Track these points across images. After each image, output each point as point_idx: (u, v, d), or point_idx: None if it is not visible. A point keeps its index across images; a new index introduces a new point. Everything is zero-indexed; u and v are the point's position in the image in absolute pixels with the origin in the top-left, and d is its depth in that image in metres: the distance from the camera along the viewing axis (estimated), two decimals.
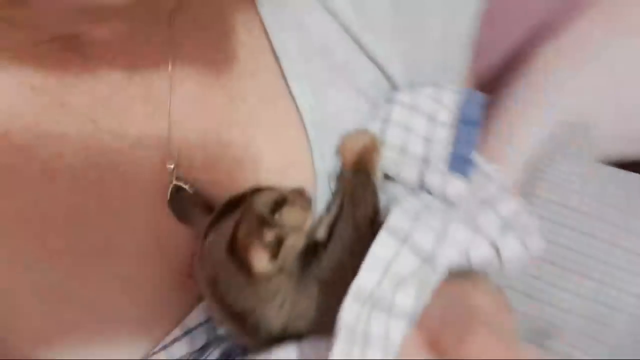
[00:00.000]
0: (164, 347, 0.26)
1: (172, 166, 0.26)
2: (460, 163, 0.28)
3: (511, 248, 0.32)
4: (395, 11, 0.29)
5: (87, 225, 0.25)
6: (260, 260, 0.23)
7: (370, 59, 0.29)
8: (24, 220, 0.23)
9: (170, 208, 0.27)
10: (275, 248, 0.24)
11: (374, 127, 0.29)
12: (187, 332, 0.27)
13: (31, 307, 0.24)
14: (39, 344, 0.24)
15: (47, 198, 0.24)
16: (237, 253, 0.24)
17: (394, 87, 0.30)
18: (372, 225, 0.25)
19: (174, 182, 0.26)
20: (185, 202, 0.27)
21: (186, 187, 0.26)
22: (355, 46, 0.28)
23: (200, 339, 0.26)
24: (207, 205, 0.27)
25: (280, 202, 0.26)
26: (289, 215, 0.26)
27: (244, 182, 0.27)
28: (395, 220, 0.22)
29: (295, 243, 0.25)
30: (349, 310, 0.20)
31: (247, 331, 0.24)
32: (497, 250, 0.26)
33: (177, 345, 0.26)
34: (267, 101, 0.27)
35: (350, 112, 0.29)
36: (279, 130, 0.28)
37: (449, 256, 0.22)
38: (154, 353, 0.26)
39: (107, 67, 0.24)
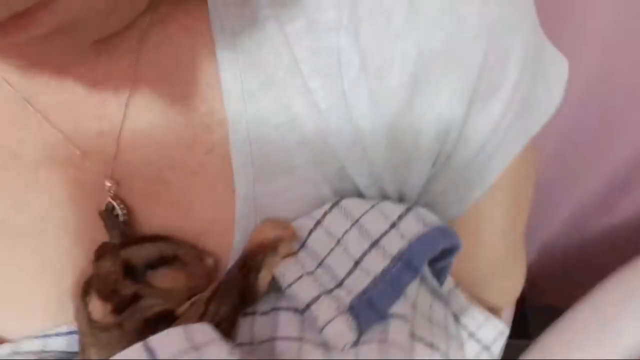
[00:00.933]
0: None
1: (109, 184, 0.27)
2: (364, 309, 0.23)
3: None
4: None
5: (23, 208, 0.27)
6: (96, 309, 0.23)
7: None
8: None
9: (103, 220, 0.28)
10: (126, 303, 0.24)
11: (302, 224, 0.26)
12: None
13: None
14: None
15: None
16: (86, 290, 0.24)
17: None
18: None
19: (110, 200, 0.27)
20: (114, 221, 0.28)
21: (118, 208, 0.27)
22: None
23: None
24: (127, 233, 0.27)
25: (165, 260, 0.25)
26: (163, 279, 0.25)
27: (169, 224, 0.27)
28: None
29: (152, 306, 0.24)
30: None
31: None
32: None
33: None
34: (210, 160, 0.26)
35: (301, 198, 0.26)
36: (213, 190, 0.26)
37: None
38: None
39: (72, 78, 0.26)
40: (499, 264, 0.33)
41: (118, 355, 0.19)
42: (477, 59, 0.24)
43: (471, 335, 0.31)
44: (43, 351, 0.27)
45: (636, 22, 0.70)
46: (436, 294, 0.27)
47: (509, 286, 0.35)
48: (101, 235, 0.27)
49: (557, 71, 0.27)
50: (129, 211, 0.27)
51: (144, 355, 0.19)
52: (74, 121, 0.26)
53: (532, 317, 1.11)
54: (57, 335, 0.27)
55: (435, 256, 0.25)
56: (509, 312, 0.38)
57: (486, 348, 0.31)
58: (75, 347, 0.27)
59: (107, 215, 0.27)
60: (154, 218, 0.27)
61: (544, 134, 0.27)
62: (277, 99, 0.24)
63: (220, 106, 0.25)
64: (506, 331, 0.32)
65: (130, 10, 0.24)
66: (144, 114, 0.26)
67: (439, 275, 0.28)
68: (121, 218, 0.27)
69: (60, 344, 0.27)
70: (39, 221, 0.27)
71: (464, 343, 0.30)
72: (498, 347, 0.31)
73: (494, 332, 0.31)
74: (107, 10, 0.21)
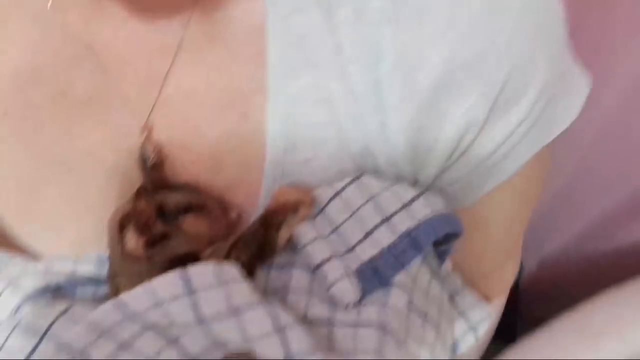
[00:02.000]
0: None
1: (146, 130, 0.29)
2: (370, 275, 0.26)
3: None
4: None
5: (68, 142, 0.30)
6: (130, 241, 0.26)
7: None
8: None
9: (138, 164, 0.30)
10: (157, 240, 0.26)
11: (323, 192, 0.28)
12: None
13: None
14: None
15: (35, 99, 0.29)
16: (123, 223, 0.27)
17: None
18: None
19: (144, 143, 0.29)
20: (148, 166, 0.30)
21: (151, 152, 0.29)
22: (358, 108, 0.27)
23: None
24: (158, 178, 0.30)
25: (193, 208, 0.28)
26: (191, 225, 0.27)
27: (199, 177, 0.29)
28: None
29: (179, 246, 0.26)
30: None
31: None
32: None
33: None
34: (245, 126, 0.28)
35: (325, 169, 0.29)
36: (244, 151, 0.29)
37: None
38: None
39: (131, 29, 0.28)
40: (499, 259, 0.35)
41: (156, 279, 0.21)
42: (502, 76, 0.26)
43: (461, 314, 0.33)
44: (73, 273, 0.29)
45: None
46: (435, 274, 0.29)
47: (504, 277, 0.38)
48: (135, 177, 0.30)
49: (578, 88, 0.29)
50: (162, 159, 0.30)
51: (180, 282, 0.21)
52: (123, 69, 0.29)
53: (520, 327, 1.13)
54: (86, 260, 0.30)
55: (438, 239, 0.28)
56: (499, 301, 0.40)
57: (473, 328, 0.33)
58: (103, 274, 0.30)
59: (143, 159, 0.29)
60: (185, 169, 0.30)
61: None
62: (317, 77, 0.27)
63: (262, 76, 0.27)
64: (493, 315, 0.34)
65: None
66: (188, 71, 0.28)
67: (440, 257, 0.31)
68: (151, 162, 0.29)
69: (89, 269, 0.29)
70: (81, 156, 0.30)
71: (454, 320, 0.33)
72: (483, 329, 0.34)
73: (482, 314, 0.34)
74: None
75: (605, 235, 1.02)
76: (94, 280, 0.30)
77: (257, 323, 0.21)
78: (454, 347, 0.34)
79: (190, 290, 0.21)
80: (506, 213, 0.32)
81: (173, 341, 0.22)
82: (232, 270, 0.22)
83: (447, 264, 0.33)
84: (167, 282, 0.21)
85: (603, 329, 0.63)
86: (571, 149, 0.94)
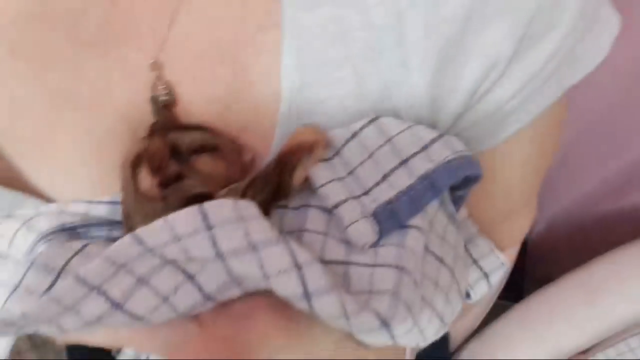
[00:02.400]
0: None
1: (158, 68, 0.28)
2: (387, 217, 0.25)
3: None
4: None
5: (80, 81, 0.29)
6: (144, 181, 0.25)
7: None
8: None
9: (152, 104, 0.29)
10: (171, 180, 0.26)
11: (340, 134, 0.28)
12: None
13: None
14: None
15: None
16: (136, 163, 0.26)
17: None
18: None
19: (156, 82, 0.29)
20: (161, 107, 0.29)
21: (163, 91, 0.29)
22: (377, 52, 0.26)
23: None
24: (171, 119, 0.29)
25: (206, 148, 0.27)
26: (205, 164, 0.27)
27: (213, 117, 0.29)
28: None
29: (193, 186, 0.26)
30: None
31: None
32: None
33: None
34: (259, 63, 0.28)
35: (341, 110, 0.28)
36: (258, 91, 0.28)
37: None
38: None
39: None
40: (514, 207, 0.35)
41: (173, 215, 0.21)
42: (532, 5, 0.24)
43: (474, 262, 0.33)
44: (86, 215, 0.29)
45: None
46: (451, 219, 0.29)
47: (518, 228, 0.37)
48: (146, 118, 0.29)
49: (607, 28, 0.27)
50: (173, 99, 0.29)
51: (198, 217, 0.20)
52: (134, 2, 0.28)
53: (527, 286, 1.14)
54: (100, 203, 0.29)
55: (457, 182, 0.27)
56: (513, 251, 0.41)
57: (486, 276, 0.33)
58: (116, 216, 0.30)
59: (154, 98, 0.29)
60: (199, 109, 0.29)
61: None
62: (334, 10, 0.26)
63: (278, 8, 0.26)
64: (506, 264, 0.34)
65: None
66: (201, 5, 0.27)
67: (456, 203, 0.30)
68: (163, 101, 0.29)
69: (102, 211, 0.29)
70: (92, 96, 0.29)
71: (468, 267, 0.33)
72: (496, 278, 0.34)
73: (495, 263, 0.33)
74: None
75: (612, 195, 1.02)
76: (107, 223, 0.30)
77: (275, 259, 0.21)
78: (467, 294, 0.34)
79: (208, 225, 0.20)
80: (523, 159, 0.31)
81: (190, 277, 0.22)
82: (250, 207, 0.22)
83: (463, 211, 0.33)
84: (185, 217, 0.20)
85: (603, 285, 0.64)
86: (576, 112, 0.93)
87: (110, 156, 0.30)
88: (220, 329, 0.21)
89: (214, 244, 0.20)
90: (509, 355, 0.67)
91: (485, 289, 0.34)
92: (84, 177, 0.30)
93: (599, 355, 0.62)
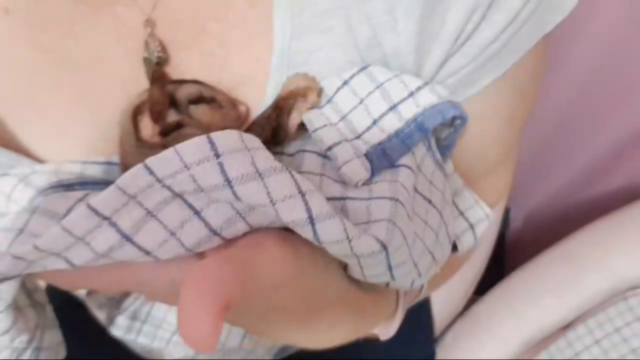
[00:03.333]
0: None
1: (150, 26, 0.29)
2: (378, 156, 0.27)
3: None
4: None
5: (71, 41, 0.30)
6: (146, 129, 0.26)
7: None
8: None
9: (145, 64, 0.30)
10: (171, 128, 0.27)
11: (331, 82, 0.29)
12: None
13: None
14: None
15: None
16: (136, 112, 0.27)
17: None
18: None
19: (147, 40, 0.29)
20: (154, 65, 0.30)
21: (154, 48, 0.29)
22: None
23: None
24: (165, 76, 0.30)
25: (205, 99, 0.28)
26: (203, 113, 0.28)
27: (206, 74, 0.29)
28: None
29: (192, 135, 0.27)
30: None
31: None
32: None
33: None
34: (252, 15, 0.29)
35: (331, 60, 0.29)
36: (250, 44, 0.29)
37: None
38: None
39: None
40: (494, 161, 0.36)
41: (181, 145, 0.21)
42: None
43: (461, 213, 0.34)
44: (82, 174, 0.30)
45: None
46: (438, 165, 0.31)
47: (500, 183, 0.39)
48: (141, 77, 0.30)
49: None
50: (168, 58, 0.30)
51: (207, 146, 0.21)
52: None
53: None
54: (94, 163, 0.30)
55: (444, 123, 0.28)
56: (497, 213, 0.42)
57: (472, 227, 0.35)
58: (110, 177, 0.30)
59: (149, 60, 0.30)
60: (192, 67, 0.30)
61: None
62: None
63: None
64: (491, 216, 0.35)
65: None
66: None
67: (442, 154, 0.32)
68: (157, 57, 0.29)
69: (97, 171, 0.30)
70: (86, 55, 0.30)
71: (455, 217, 0.34)
72: (482, 229, 0.35)
73: (480, 214, 0.35)
74: None
75: (586, 185, 1.05)
76: (103, 182, 0.30)
77: (280, 186, 0.21)
78: (454, 247, 0.35)
79: (216, 154, 0.21)
80: (505, 106, 0.33)
81: (196, 213, 0.22)
82: (254, 140, 0.22)
83: (449, 165, 0.34)
84: (194, 146, 0.21)
85: (585, 258, 0.66)
86: (552, 103, 0.96)
87: (103, 116, 0.30)
88: (232, 252, 0.21)
89: (223, 171, 0.21)
90: (493, 334, 0.69)
91: (471, 240, 0.35)
92: (78, 137, 0.31)
93: (580, 327, 0.64)
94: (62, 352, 0.31)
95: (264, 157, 0.22)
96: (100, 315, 0.47)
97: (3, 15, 0.29)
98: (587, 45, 0.83)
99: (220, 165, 0.21)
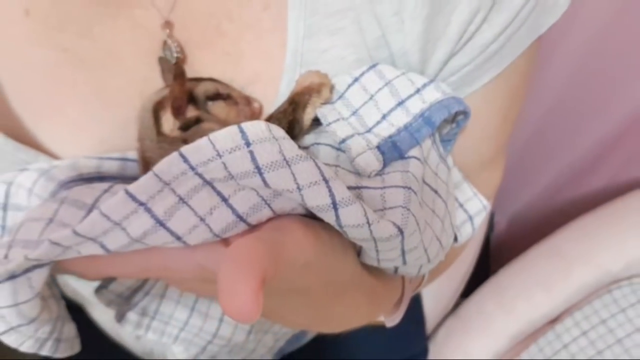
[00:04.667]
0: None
1: (168, 27, 0.30)
2: (389, 148, 0.28)
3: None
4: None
5: (88, 40, 0.31)
6: (167, 123, 0.27)
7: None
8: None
9: (160, 64, 0.31)
10: (191, 123, 0.28)
11: (342, 79, 0.30)
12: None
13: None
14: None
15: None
16: (157, 108, 0.28)
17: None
18: None
19: (166, 40, 0.31)
20: (170, 65, 0.31)
21: (173, 48, 0.30)
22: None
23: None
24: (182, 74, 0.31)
25: (221, 96, 0.29)
26: (220, 109, 0.29)
27: (221, 72, 0.31)
28: None
29: (211, 130, 0.28)
30: None
31: None
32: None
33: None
34: (266, 15, 0.30)
35: (341, 58, 0.30)
36: (264, 43, 0.30)
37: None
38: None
39: None
40: (489, 156, 0.38)
41: (214, 134, 0.22)
42: None
43: (460, 205, 0.36)
44: (99, 169, 0.30)
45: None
46: (442, 158, 0.32)
47: (492, 178, 0.41)
48: (155, 76, 0.31)
49: None
50: (185, 57, 0.31)
51: (238, 135, 0.22)
52: None
53: None
54: (109, 159, 0.31)
55: (448, 118, 0.30)
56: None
57: (470, 218, 0.37)
58: (125, 172, 0.31)
59: (164, 59, 0.31)
60: (207, 66, 0.31)
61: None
62: None
63: None
64: (488, 207, 0.37)
65: None
66: None
67: (444, 148, 0.34)
68: (175, 58, 0.30)
69: (113, 167, 0.31)
70: (103, 55, 0.31)
71: (456, 209, 0.36)
72: (479, 220, 0.37)
73: (478, 206, 0.37)
74: None
75: (570, 184, 1.08)
76: (120, 177, 0.31)
77: (306, 173, 0.22)
78: (454, 237, 0.37)
79: (247, 142, 0.22)
80: (500, 104, 0.35)
81: (224, 200, 0.23)
82: (279, 130, 0.23)
83: (449, 159, 0.36)
84: (226, 135, 0.22)
85: (574, 254, 0.69)
86: (533, 108, 1.00)
87: (119, 114, 0.31)
88: (261, 234, 0.22)
89: (253, 159, 0.22)
90: (484, 330, 0.71)
91: (469, 231, 0.37)
92: (93, 134, 0.32)
93: (568, 320, 0.67)
94: (77, 346, 0.31)
95: (289, 145, 0.23)
96: (105, 317, 0.48)
97: (23, 17, 0.30)
98: (566, 51, 0.87)
99: (251, 153, 0.22)
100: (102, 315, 0.54)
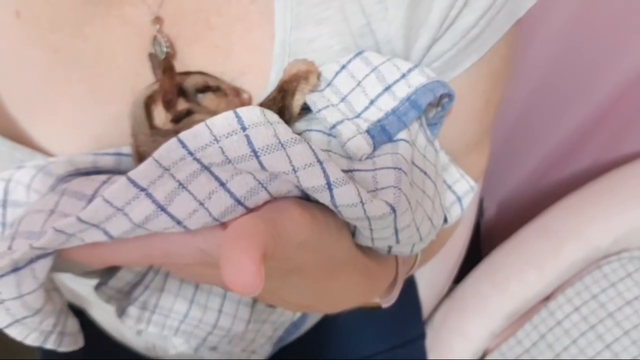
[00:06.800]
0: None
1: (157, 23, 0.31)
2: (378, 132, 0.29)
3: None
4: None
5: (79, 39, 0.31)
6: (159, 116, 0.28)
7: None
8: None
9: (150, 59, 0.32)
10: (182, 115, 0.29)
11: (329, 67, 0.31)
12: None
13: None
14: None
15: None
16: (149, 102, 0.29)
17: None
18: None
19: (156, 35, 0.31)
20: (160, 61, 0.32)
21: (163, 43, 0.31)
22: None
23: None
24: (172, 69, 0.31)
25: (210, 88, 0.30)
26: (210, 101, 0.30)
27: (210, 66, 0.31)
28: None
29: (202, 120, 0.29)
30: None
31: None
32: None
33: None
34: (254, 7, 0.31)
35: (328, 47, 0.31)
36: (252, 35, 0.31)
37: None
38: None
39: None
40: (475, 140, 0.39)
41: (211, 119, 0.22)
42: None
43: (448, 187, 0.37)
44: (95, 164, 0.31)
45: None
46: (429, 141, 0.33)
47: (478, 161, 0.42)
48: (146, 72, 0.31)
49: None
50: (175, 52, 0.31)
51: (234, 120, 0.22)
52: None
53: None
54: (104, 154, 0.31)
55: (433, 101, 0.31)
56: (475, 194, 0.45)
57: (459, 199, 0.38)
58: (121, 167, 0.31)
59: (154, 55, 0.31)
60: (197, 60, 0.32)
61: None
62: None
63: None
64: (475, 188, 0.38)
65: None
66: None
67: (431, 131, 0.35)
68: (164, 53, 0.31)
69: (109, 163, 0.31)
70: (94, 53, 0.31)
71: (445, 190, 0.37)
72: (468, 200, 0.38)
73: (466, 186, 0.38)
74: None
75: (557, 165, 1.10)
76: (116, 172, 0.31)
77: (301, 155, 0.23)
78: (444, 218, 0.38)
79: (243, 127, 0.22)
80: (483, 88, 0.36)
81: (222, 184, 0.24)
82: (273, 115, 0.24)
83: (436, 142, 0.37)
84: (223, 120, 0.22)
85: (564, 232, 0.70)
86: (516, 93, 1.01)
87: (112, 110, 0.32)
88: (261, 214, 0.23)
89: (249, 142, 0.22)
90: (479, 310, 0.72)
91: (459, 211, 0.38)
92: (88, 131, 0.32)
93: (560, 297, 0.68)
94: (81, 341, 0.32)
95: (284, 129, 0.23)
96: (106, 316, 0.48)
97: (14, 19, 0.30)
98: (547, 34, 0.88)
99: (247, 137, 0.22)
100: (103, 314, 0.54)
